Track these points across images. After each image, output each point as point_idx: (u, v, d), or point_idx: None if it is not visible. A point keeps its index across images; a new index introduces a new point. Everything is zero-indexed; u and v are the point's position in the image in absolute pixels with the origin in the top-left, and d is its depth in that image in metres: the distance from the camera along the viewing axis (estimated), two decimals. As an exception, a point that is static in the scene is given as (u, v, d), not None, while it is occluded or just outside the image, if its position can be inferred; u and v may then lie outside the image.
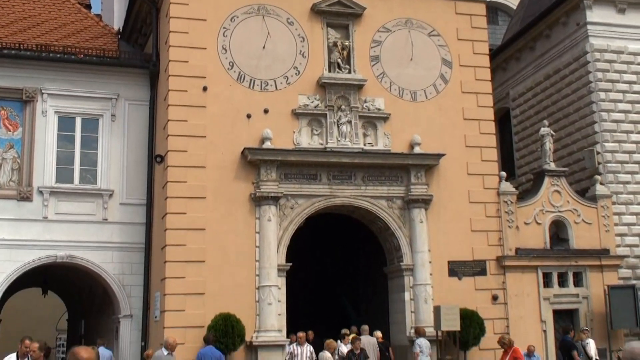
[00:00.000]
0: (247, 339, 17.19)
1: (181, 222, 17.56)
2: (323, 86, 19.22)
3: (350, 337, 17.01)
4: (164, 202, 17.90)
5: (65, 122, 19.33)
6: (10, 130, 18.87)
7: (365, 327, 18.27)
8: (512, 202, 20.19)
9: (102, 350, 17.67)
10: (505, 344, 15.74)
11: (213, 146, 18.16)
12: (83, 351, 5.23)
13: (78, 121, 19.44)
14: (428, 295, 18.81)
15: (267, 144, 18.26)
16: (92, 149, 19.48)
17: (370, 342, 17.47)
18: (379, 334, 18.07)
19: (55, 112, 19.19)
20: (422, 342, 17.50)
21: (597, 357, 17.54)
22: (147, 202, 19.42)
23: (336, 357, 16.66)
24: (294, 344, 16.40)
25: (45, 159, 18.87)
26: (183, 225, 17.56)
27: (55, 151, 19.07)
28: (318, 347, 16.64)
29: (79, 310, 28.30)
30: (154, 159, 19.13)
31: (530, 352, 18.75)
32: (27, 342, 11.67)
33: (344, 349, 16.77)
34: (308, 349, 16.38)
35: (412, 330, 18.44)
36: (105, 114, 19.62)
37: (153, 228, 19.16)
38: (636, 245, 21.42)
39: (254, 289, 17.79)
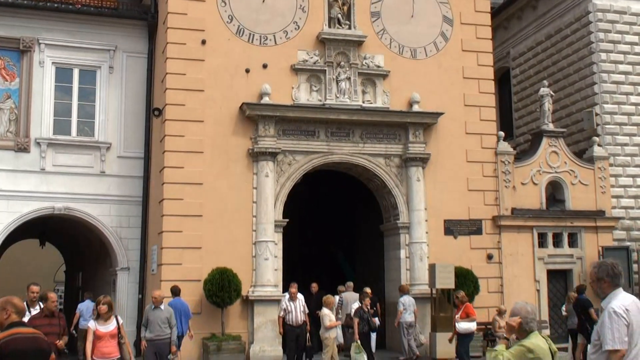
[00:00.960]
0: (244, 293, 17.34)
1: (179, 176, 17.58)
2: (323, 42, 19.06)
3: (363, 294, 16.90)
4: (162, 155, 17.89)
5: (63, 73, 19.19)
6: (7, 81, 18.74)
7: (350, 284, 18.72)
8: (509, 162, 20.21)
9: (89, 303, 17.90)
10: (459, 300, 16.14)
11: (211, 100, 18.08)
12: (17, 299, 6.20)
13: (75, 72, 19.30)
14: (423, 253, 18.96)
15: (266, 100, 18.18)
16: (90, 101, 19.37)
17: (353, 297, 17.81)
18: (367, 290, 18.29)
19: (53, 62, 19.04)
20: (406, 300, 17.77)
21: (589, 317, 17.71)
22: (145, 155, 19.40)
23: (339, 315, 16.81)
24: (287, 300, 16.36)
25: (42, 110, 18.77)
26: (180, 180, 17.58)
27: (52, 102, 18.97)
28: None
29: (76, 262, 28.47)
30: (152, 112, 19.05)
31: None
32: (33, 287, 11.38)
33: (286, 303, 16.62)
34: (300, 303, 16.40)
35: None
36: (103, 66, 19.48)
37: (150, 181, 19.18)
38: (632, 207, 21.52)
39: (251, 244, 17.90)
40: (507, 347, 5.85)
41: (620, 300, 5.84)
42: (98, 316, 10.39)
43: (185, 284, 17.07)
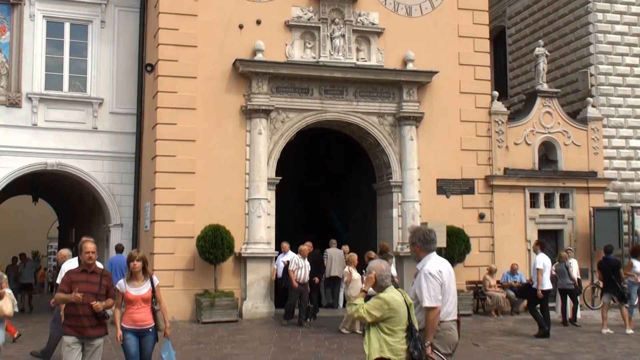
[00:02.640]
0: (236, 250, 17.41)
1: (171, 133, 17.52)
2: (317, -2, 18.85)
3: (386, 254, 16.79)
4: (154, 112, 17.79)
5: (54, 28, 18.97)
6: (-3, 34, 18.52)
7: (334, 241, 19.16)
8: (502, 122, 20.19)
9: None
10: (371, 259, 15.34)
11: (204, 56, 17.92)
12: None
13: (67, 27, 19.07)
14: (416, 212, 19.02)
15: (259, 56, 18.03)
16: (82, 56, 19.19)
17: (336, 253, 18.60)
18: (346, 248, 18.80)
19: (44, 16, 18.80)
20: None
21: (579, 277, 17.92)
22: (138, 111, 19.31)
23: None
24: (298, 257, 16.38)
25: (33, 64, 18.59)
26: (173, 136, 17.52)
27: (44, 57, 18.78)
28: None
29: (69, 218, 28.52)
30: (145, 68, 18.89)
31: (513, 271, 19.17)
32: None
33: (298, 259, 16.51)
34: (307, 262, 16.45)
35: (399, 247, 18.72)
36: (95, 20, 19.25)
37: (143, 138, 19.12)
38: (624, 169, 21.60)
39: (244, 201, 17.92)
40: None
41: (433, 263, 6.56)
42: (130, 275, 8.62)
43: (178, 240, 17.16)
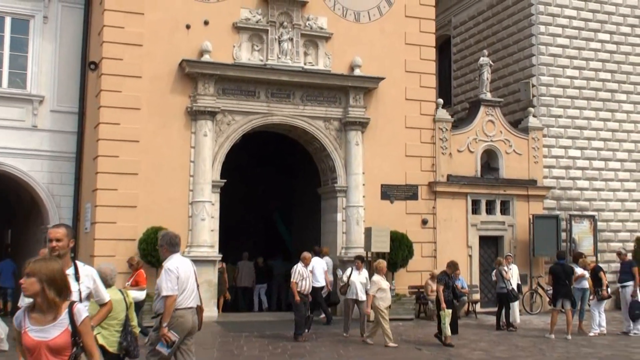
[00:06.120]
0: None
1: (114, 133, 17.18)
2: (266, 1, 18.76)
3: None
4: (97, 111, 17.42)
5: (-6, 22, 18.45)
6: None
7: (246, 253, 20.30)
8: (446, 130, 20.45)
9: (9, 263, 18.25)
10: (133, 266, 14.64)
11: (150, 56, 17.65)
12: None
13: (7, 21, 18.52)
14: (360, 217, 19.09)
15: (206, 57, 17.85)
16: (22, 51, 18.68)
17: (246, 264, 20.63)
18: (260, 259, 18.70)
19: (-17, 10, 18.27)
20: (329, 261, 17.97)
21: (519, 282, 18.24)
22: (79, 110, 18.89)
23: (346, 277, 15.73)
24: (300, 265, 14.91)
25: (-29, 59, 18.03)
26: (116, 136, 17.19)
27: (-18, 52, 18.23)
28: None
29: (4, 218, 27.66)
30: (88, 65, 18.50)
31: (455, 276, 19.37)
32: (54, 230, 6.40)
33: (301, 268, 15.00)
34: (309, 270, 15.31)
35: (344, 252, 18.76)
36: (37, 15, 18.76)
37: (85, 137, 18.70)
38: (562, 177, 22.11)
39: (187, 204, 17.70)
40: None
41: (174, 261, 7.95)
42: (34, 305, 4.63)
43: (119, 243, 16.84)
